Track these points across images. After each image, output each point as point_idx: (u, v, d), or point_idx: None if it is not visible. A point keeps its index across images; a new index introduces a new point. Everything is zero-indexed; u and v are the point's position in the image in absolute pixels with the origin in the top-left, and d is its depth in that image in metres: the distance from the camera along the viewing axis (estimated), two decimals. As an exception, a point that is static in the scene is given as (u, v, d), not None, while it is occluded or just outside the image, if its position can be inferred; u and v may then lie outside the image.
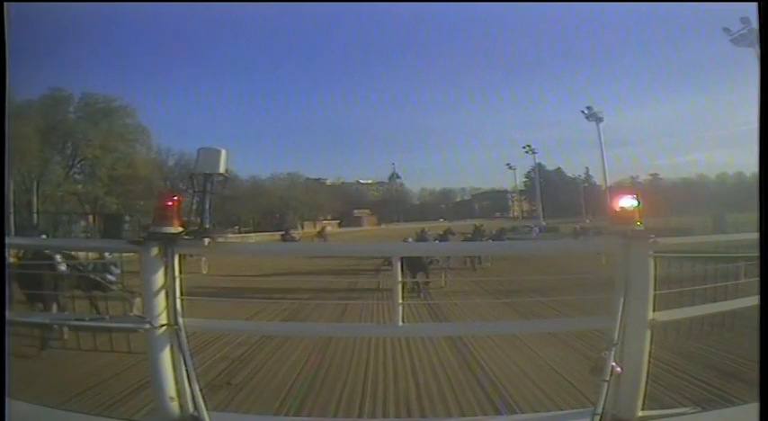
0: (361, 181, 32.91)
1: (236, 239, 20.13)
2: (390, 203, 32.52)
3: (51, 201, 18.44)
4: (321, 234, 23.88)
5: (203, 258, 11.87)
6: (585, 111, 25.21)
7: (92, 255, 6.84)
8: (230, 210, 22.74)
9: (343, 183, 31.78)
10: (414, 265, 8.92)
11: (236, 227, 24.45)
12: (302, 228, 26.78)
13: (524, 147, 28.97)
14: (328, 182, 31.00)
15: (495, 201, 33.61)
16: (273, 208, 26.65)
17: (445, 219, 30.40)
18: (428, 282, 9.15)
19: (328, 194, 30.02)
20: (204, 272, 11.67)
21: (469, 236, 16.17)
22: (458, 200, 34.77)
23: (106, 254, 6.35)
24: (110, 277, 5.83)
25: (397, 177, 33.42)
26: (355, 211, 30.97)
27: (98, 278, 5.43)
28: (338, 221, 29.35)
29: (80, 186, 19.24)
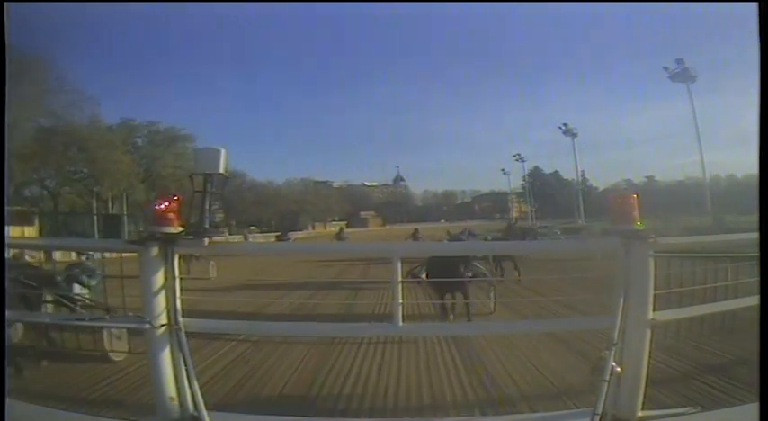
0: (367, 183, 33.81)
1: (261, 238, 23.35)
2: (394, 205, 33.43)
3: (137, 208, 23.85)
4: (340, 235, 24.19)
5: (211, 262, 11.19)
6: (562, 128, 26.56)
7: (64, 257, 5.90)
8: (253, 213, 26.53)
9: (349, 185, 32.68)
10: (445, 277, 5.47)
11: (253, 227, 26.40)
12: (313, 228, 28.25)
13: (514, 156, 30.12)
14: (335, 184, 32.10)
15: (495, 203, 34.01)
16: (290, 211, 28.72)
17: (446, 221, 30.86)
18: (467, 304, 5.86)
19: (337, 197, 31.49)
20: (212, 276, 10.95)
21: (498, 236, 13.53)
22: (458, 202, 35.25)
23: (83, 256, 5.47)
24: (77, 290, 4.51)
25: (401, 180, 34.17)
26: (362, 213, 32.05)
27: (51, 294, 3.94)
28: (345, 222, 30.02)
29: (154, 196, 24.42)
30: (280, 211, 28.48)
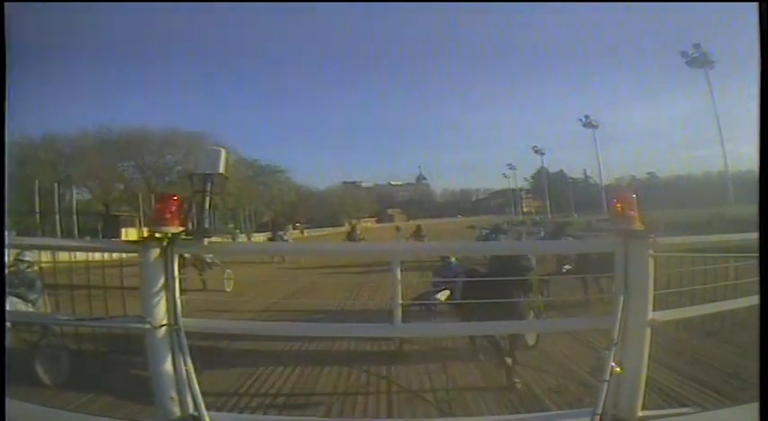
0: (392, 182, 37.39)
1: (314, 232, 27.97)
2: (417, 202, 36.55)
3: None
4: (352, 234, 18.99)
5: (227, 271, 8.55)
6: (534, 148, 28.71)
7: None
8: (305, 214, 32.58)
9: (377, 185, 36.84)
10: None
11: (299, 224, 31.02)
12: (350, 224, 31.06)
13: (508, 165, 32.47)
14: (364, 185, 36.23)
15: (507, 200, 36.29)
16: (332, 211, 34.00)
17: (462, 216, 33.45)
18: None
19: (367, 197, 36.04)
20: (228, 288, 8.28)
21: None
22: (474, 199, 37.95)
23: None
24: (9, 307, 3.18)
25: (423, 179, 37.15)
26: (389, 211, 36.01)
27: None
28: (375, 219, 34.56)
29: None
30: (324, 211, 33.48)
